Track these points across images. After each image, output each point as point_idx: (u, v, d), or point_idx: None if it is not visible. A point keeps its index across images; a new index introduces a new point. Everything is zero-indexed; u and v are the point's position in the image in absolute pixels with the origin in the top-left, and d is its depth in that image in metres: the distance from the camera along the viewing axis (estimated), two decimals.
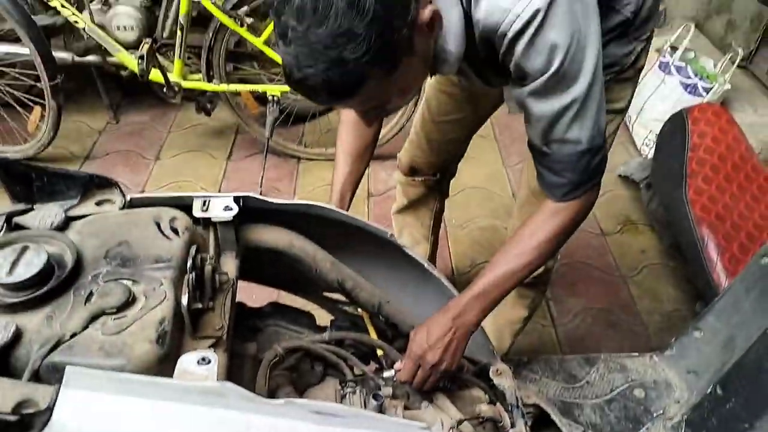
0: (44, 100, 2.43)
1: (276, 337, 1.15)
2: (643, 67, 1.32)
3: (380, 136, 2.74)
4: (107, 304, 0.72)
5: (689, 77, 2.70)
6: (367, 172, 2.63)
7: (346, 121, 1.36)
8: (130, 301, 0.73)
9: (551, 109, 0.97)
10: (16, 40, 2.39)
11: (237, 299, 1.19)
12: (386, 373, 1.10)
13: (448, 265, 2.31)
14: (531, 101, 0.98)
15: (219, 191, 2.58)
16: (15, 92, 2.55)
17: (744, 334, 1.34)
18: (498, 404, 1.15)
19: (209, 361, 0.70)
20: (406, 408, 1.08)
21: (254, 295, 1.29)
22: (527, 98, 0.98)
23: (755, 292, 1.36)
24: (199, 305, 0.79)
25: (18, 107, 2.59)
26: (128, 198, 0.91)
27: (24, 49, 2.35)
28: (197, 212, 0.91)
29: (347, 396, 1.06)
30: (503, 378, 1.16)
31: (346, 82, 0.82)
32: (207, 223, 0.94)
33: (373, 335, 1.22)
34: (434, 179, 1.74)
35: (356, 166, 1.38)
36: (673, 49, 2.82)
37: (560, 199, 1.07)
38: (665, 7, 3.44)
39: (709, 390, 1.30)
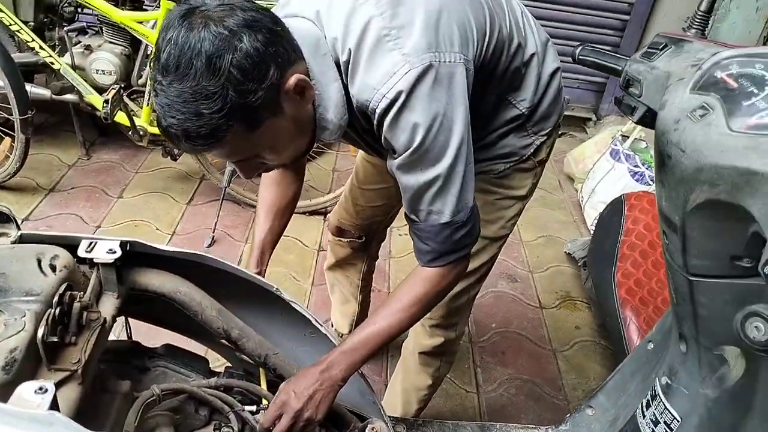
0: (15, 132, 2.54)
1: (163, 378, 1.19)
2: (545, 159, 1.41)
3: (327, 200, 2.84)
4: None
5: (637, 165, 2.82)
6: (318, 228, 2.71)
7: (267, 178, 1.44)
8: None
9: (416, 181, 1.05)
10: None
11: (137, 339, 1.27)
12: (247, 408, 1.14)
13: None
14: (398, 173, 1.07)
15: (173, 233, 2.65)
16: None
17: (625, 414, 1.39)
18: None
19: (45, 390, 0.76)
20: None
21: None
22: (396, 170, 1.07)
23: (639, 375, 1.41)
24: (55, 339, 0.85)
25: None
26: (20, 233, 0.98)
27: (0, 83, 2.47)
28: (82, 252, 0.98)
29: None
30: None
31: (203, 134, 0.89)
32: (93, 264, 1.01)
33: (264, 386, 1.26)
34: (359, 242, 1.81)
35: (276, 222, 1.45)
36: (624, 137, 2.96)
37: (425, 265, 1.14)
38: None
39: None
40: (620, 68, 0.98)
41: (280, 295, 1.18)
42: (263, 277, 1.33)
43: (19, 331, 0.81)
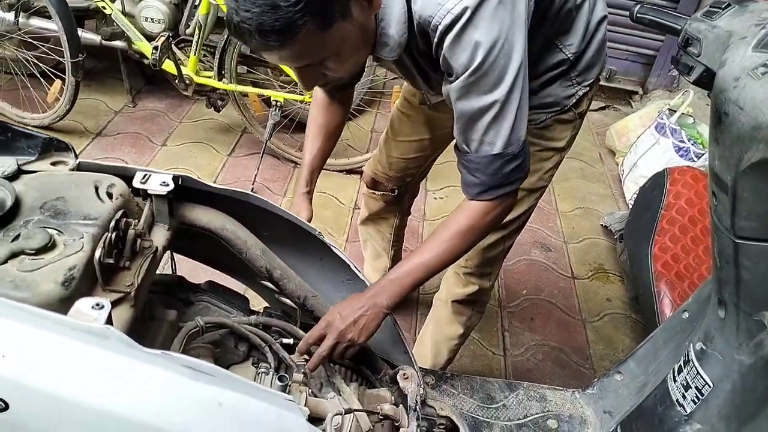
0: (66, 75, 2.60)
1: (206, 312, 1.24)
2: (585, 112, 1.40)
3: (364, 159, 2.87)
4: (28, 245, 0.83)
5: (683, 141, 2.76)
6: (355, 187, 2.74)
7: (317, 102, 1.46)
8: (48, 246, 0.84)
9: (471, 107, 1.05)
10: (50, 16, 2.56)
11: (183, 275, 1.32)
12: (296, 357, 1.18)
13: None
14: (454, 97, 1.07)
15: (214, 183, 2.70)
16: (42, 65, 2.73)
17: (654, 381, 1.39)
18: (400, 406, 1.23)
19: (102, 307, 0.80)
20: (313, 395, 1.16)
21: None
22: (452, 94, 1.07)
23: (672, 343, 1.42)
24: (111, 261, 0.89)
25: (42, 79, 2.77)
26: (78, 162, 1.02)
27: (54, 26, 2.52)
28: (136, 183, 1.02)
29: (260, 376, 1.15)
30: (408, 382, 1.24)
31: (277, 29, 0.88)
32: (146, 195, 1.04)
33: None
34: (392, 195, 1.83)
35: (325, 143, 1.47)
36: (672, 112, 2.89)
37: (473, 198, 1.14)
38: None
39: (611, 430, 1.36)
40: (680, 27, 0.97)
41: (321, 239, 1.21)
42: (312, 197, 1.40)
43: (78, 251, 0.85)
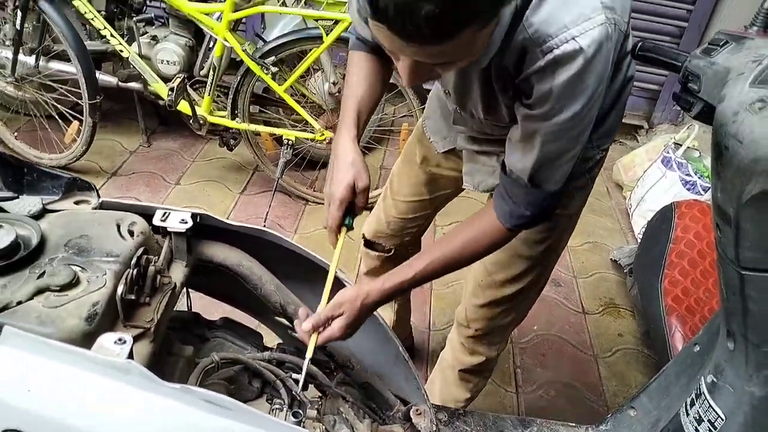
0: (83, 116, 2.67)
1: (220, 349, 1.26)
2: (596, 176, 1.35)
3: (374, 196, 2.88)
4: (53, 282, 0.86)
5: (689, 174, 2.79)
6: (365, 221, 2.74)
7: (355, 57, 1.28)
8: (73, 283, 0.87)
9: (558, 149, 1.01)
10: (69, 60, 2.64)
11: (197, 311, 1.34)
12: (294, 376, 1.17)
13: (426, 317, 2.40)
14: (543, 136, 0.99)
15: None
16: (59, 106, 2.81)
17: (667, 416, 1.39)
18: None
19: (124, 342, 0.82)
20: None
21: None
22: (540, 130, 0.99)
23: (684, 377, 1.41)
24: (132, 297, 0.91)
25: (60, 120, 2.85)
26: (101, 201, 1.06)
27: (72, 69, 2.60)
28: (156, 221, 1.05)
29: (274, 412, 1.16)
30: (422, 418, 1.24)
31: (451, 20, 0.74)
32: (165, 232, 1.08)
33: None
34: (387, 255, 1.78)
35: (374, 86, 1.25)
36: (677, 146, 2.93)
37: (512, 228, 1.13)
38: None
39: None
40: (680, 64, 1.00)
41: (337, 275, 1.23)
42: (359, 141, 1.23)
43: (101, 288, 0.88)
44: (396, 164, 1.67)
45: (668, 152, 2.91)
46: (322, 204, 3.04)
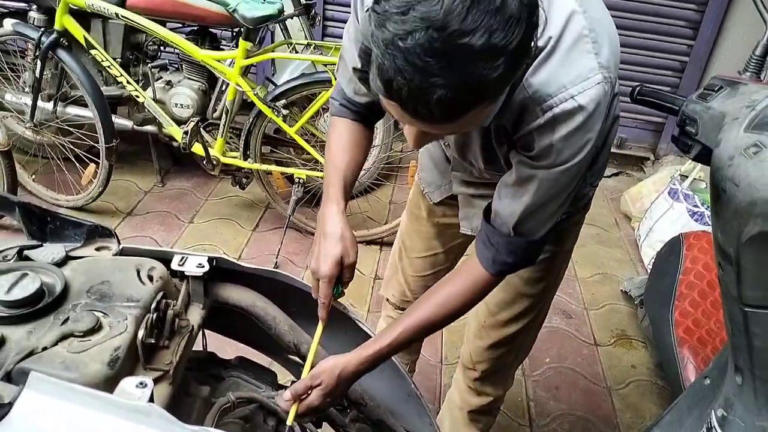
0: (99, 159, 2.74)
1: (236, 388, 1.28)
2: (587, 211, 1.38)
3: (383, 231, 2.88)
4: (77, 327, 0.89)
5: (696, 206, 2.81)
6: (375, 257, 2.76)
7: (338, 124, 1.30)
8: (96, 328, 0.90)
9: (548, 196, 1.02)
10: (86, 105, 2.73)
11: (212, 350, 1.37)
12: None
13: (438, 352, 2.41)
14: (537, 184, 1.00)
15: (239, 257, 2.79)
16: (76, 149, 2.89)
17: None
18: None
19: (145, 385, 0.85)
20: None
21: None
22: (537, 181, 1.00)
23: (696, 410, 1.41)
24: (152, 341, 0.95)
25: (77, 163, 2.92)
26: (121, 247, 1.10)
27: (89, 113, 2.68)
28: (174, 266, 1.09)
29: None
30: None
31: (459, 102, 0.75)
32: (183, 276, 1.11)
33: None
34: None
35: (357, 154, 1.27)
36: (683, 177, 2.95)
37: (495, 273, 1.13)
38: None
39: None
40: (677, 108, 1.04)
41: (346, 312, 1.26)
42: (346, 205, 1.24)
43: (122, 332, 0.92)
44: (403, 222, 1.68)
45: (675, 184, 2.93)
46: None
